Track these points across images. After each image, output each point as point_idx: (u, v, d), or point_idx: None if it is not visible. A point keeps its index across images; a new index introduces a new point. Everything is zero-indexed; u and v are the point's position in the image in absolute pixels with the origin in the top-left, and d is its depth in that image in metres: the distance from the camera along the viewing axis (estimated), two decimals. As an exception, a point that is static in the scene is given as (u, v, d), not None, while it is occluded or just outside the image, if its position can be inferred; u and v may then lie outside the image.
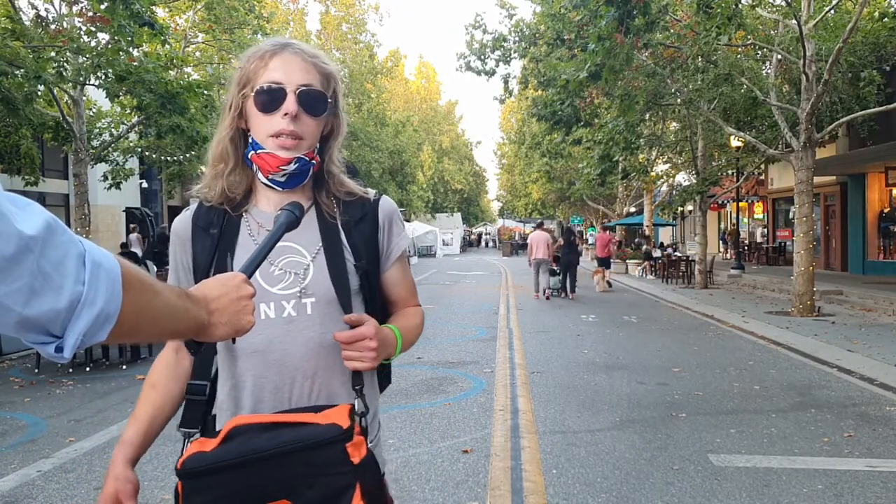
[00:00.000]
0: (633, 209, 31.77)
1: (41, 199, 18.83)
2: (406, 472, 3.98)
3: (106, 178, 15.34)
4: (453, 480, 3.86)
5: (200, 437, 1.15)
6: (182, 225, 1.29)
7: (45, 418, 5.41)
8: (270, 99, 1.17)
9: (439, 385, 6.39)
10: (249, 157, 1.22)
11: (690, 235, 29.01)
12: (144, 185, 22.28)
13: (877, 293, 11.89)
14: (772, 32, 12.97)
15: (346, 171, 1.34)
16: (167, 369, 1.26)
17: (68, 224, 18.75)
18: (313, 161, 1.23)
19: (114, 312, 0.72)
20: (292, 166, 1.19)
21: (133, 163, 17.55)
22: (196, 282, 1.20)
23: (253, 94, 1.19)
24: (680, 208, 24.00)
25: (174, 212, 26.45)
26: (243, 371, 1.21)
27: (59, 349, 0.70)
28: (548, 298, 14.78)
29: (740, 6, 9.85)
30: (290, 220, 1.11)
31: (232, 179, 1.25)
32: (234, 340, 1.04)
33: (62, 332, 0.69)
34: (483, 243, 64.58)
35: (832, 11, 12.09)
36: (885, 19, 13.24)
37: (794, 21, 10.53)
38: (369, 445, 1.13)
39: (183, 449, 1.15)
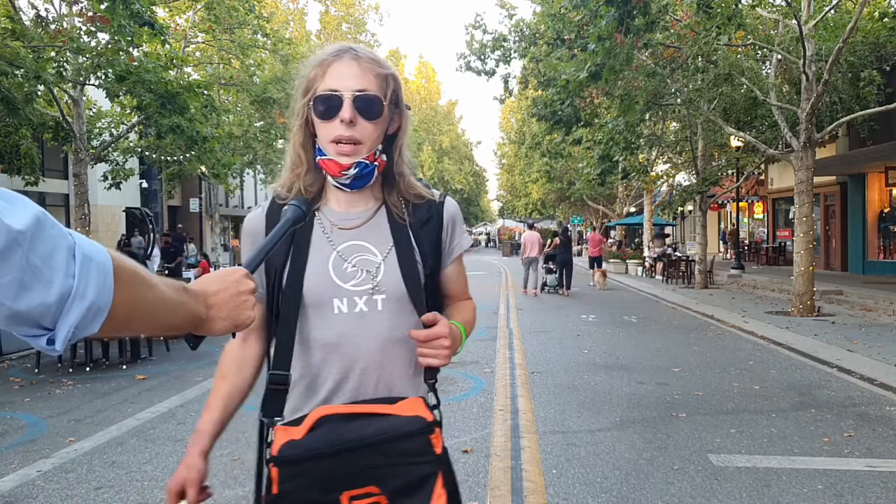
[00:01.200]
0: (633, 209, 31.78)
1: (41, 199, 18.83)
2: (406, 472, 3.98)
3: (106, 178, 15.35)
4: (453, 480, 3.86)
5: (281, 425, 1.21)
6: (255, 222, 1.33)
7: (45, 418, 5.41)
8: (327, 106, 1.22)
9: (439, 385, 6.38)
10: (318, 161, 1.28)
11: (690, 235, 29.01)
12: (144, 185, 22.27)
13: (877, 293, 11.89)
14: (772, 32, 12.98)
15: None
16: (235, 359, 1.32)
17: (68, 224, 18.77)
18: (375, 164, 1.27)
19: (105, 305, 0.72)
20: (352, 171, 1.24)
21: (133, 163, 17.56)
22: (269, 279, 1.28)
23: (312, 102, 1.24)
24: (680, 208, 24.01)
25: (174, 212, 26.45)
26: (317, 361, 1.26)
27: (51, 342, 0.70)
28: (535, 295, 15.44)
29: (740, 6, 9.86)
30: (297, 216, 1.16)
31: (307, 181, 1.31)
32: (234, 335, 1.05)
33: (53, 325, 0.69)
34: (484, 244, 64.58)
35: (832, 11, 12.09)
36: (885, 19, 13.25)
37: (794, 21, 10.53)
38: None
39: (266, 437, 1.22)
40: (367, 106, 1.22)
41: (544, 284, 16.35)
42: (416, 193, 1.34)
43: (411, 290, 1.26)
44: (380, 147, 1.28)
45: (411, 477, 1.13)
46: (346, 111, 1.20)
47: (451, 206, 1.38)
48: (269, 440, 1.20)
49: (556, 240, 16.77)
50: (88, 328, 0.72)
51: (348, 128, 1.21)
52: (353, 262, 1.26)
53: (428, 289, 1.32)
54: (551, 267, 16.33)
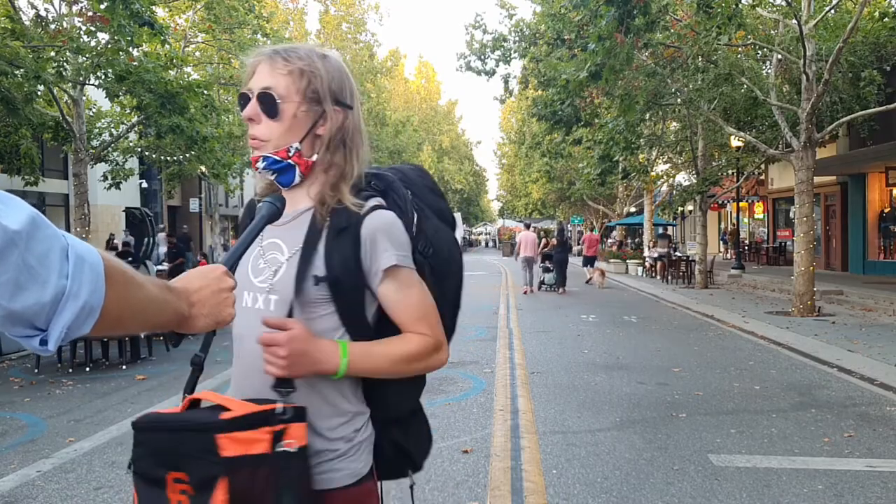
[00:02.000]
0: (633, 209, 31.78)
1: (41, 199, 18.83)
2: (406, 473, 3.97)
3: (106, 178, 15.34)
4: (453, 480, 3.86)
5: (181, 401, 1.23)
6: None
7: (45, 418, 5.41)
8: (242, 106, 1.27)
9: (439, 385, 6.38)
10: None
11: (690, 235, 29.01)
12: (144, 185, 22.26)
13: (877, 293, 11.89)
14: (772, 32, 12.97)
15: (382, 182, 1.32)
16: None
17: (68, 224, 18.76)
18: (288, 161, 1.25)
19: (97, 305, 0.73)
20: (260, 164, 1.26)
21: (133, 163, 17.54)
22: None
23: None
24: (680, 208, 24.01)
25: (174, 212, 26.45)
26: (235, 352, 1.31)
27: (44, 342, 0.71)
28: (530, 293, 16.12)
29: (740, 6, 9.86)
30: (272, 213, 1.20)
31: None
32: (214, 332, 1.09)
33: (47, 326, 0.70)
34: (484, 244, 64.58)
35: (832, 11, 12.09)
36: (886, 19, 13.24)
37: (794, 21, 10.53)
38: (286, 450, 1.10)
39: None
40: (265, 104, 1.24)
41: (541, 282, 16.89)
42: (336, 196, 1.27)
43: (300, 294, 1.22)
44: (296, 144, 1.24)
45: (204, 473, 1.09)
46: (248, 109, 1.25)
47: (373, 221, 1.24)
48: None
49: (553, 240, 17.41)
50: (81, 328, 0.72)
51: (252, 126, 1.25)
52: (266, 258, 1.29)
53: (339, 304, 1.24)
54: (548, 266, 16.86)
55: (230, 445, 1.08)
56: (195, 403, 1.19)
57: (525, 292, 16.22)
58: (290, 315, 1.22)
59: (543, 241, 17.89)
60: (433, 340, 1.28)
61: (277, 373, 1.16)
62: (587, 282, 18.53)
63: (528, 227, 18.93)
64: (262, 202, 1.22)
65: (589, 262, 19.14)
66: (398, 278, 1.25)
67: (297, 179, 1.28)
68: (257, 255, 1.30)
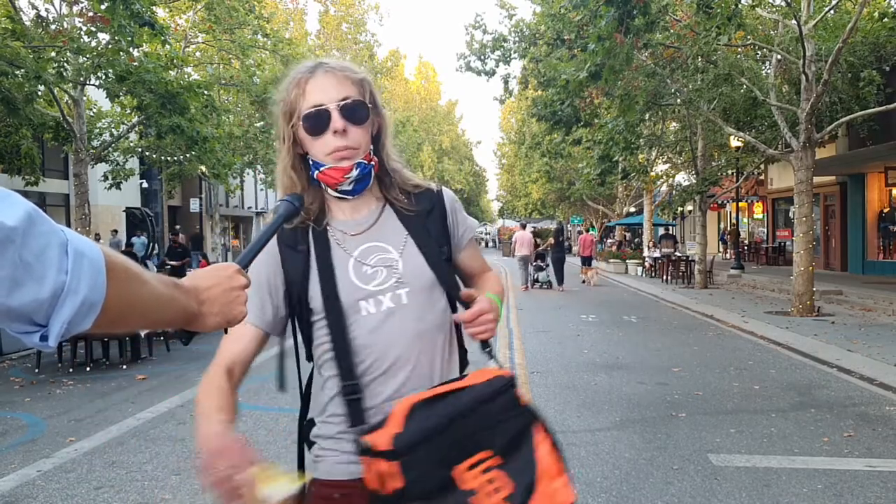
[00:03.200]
0: (633, 209, 31.78)
1: (41, 199, 18.82)
2: (406, 472, 3.98)
3: (106, 178, 15.35)
4: (453, 480, 3.87)
5: (365, 434, 1.15)
6: (268, 246, 1.30)
7: (45, 418, 5.42)
8: (317, 122, 1.26)
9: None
10: (315, 177, 1.30)
11: (690, 235, 29.03)
12: (145, 185, 22.27)
13: (876, 293, 11.90)
14: (771, 32, 12.98)
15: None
16: (218, 384, 1.22)
17: (69, 224, 18.72)
18: (372, 163, 1.31)
19: (98, 301, 0.72)
20: (355, 172, 1.27)
21: (133, 163, 17.56)
22: (290, 300, 1.30)
23: (300, 122, 1.27)
24: (680, 208, 24.00)
25: (174, 212, 26.45)
26: (356, 365, 1.27)
27: (44, 338, 0.70)
28: (524, 290, 16.91)
29: (740, 6, 9.86)
30: (290, 211, 1.19)
31: (307, 199, 1.31)
32: (226, 331, 1.05)
33: (46, 321, 0.69)
34: (485, 244, 64.58)
35: (832, 11, 12.09)
36: (885, 19, 13.25)
37: (793, 21, 10.53)
38: None
39: (359, 448, 1.16)
40: (354, 112, 1.26)
41: (535, 280, 17.52)
42: (414, 184, 1.39)
43: (438, 273, 1.31)
44: (371, 148, 1.31)
45: (512, 431, 1.17)
46: (337, 122, 1.24)
47: (449, 194, 1.43)
48: (365, 447, 1.14)
49: (551, 240, 18.32)
50: (81, 324, 0.71)
51: (342, 137, 1.25)
52: (372, 263, 1.30)
53: (450, 273, 1.36)
54: (541, 265, 17.61)
55: (521, 396, 1.21)
56: (410, 411, 1.14)
57: (524, 289, 17.02)
58: (421, 301, 1.29)
59: (539, 241, 18.74)
60: (495, 271, 1.54)
61: (491, 335, 1.29)
62: (583, 282, 19.17)
63: (523, 226, 19.81)
64: (279, 201, 1.21)
65: (586, 261, 19.96)
66: (473, 238, 1.46)
67: (371, 182, 1.32)
68: (356, 265, 1.29)
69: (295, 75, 1.30)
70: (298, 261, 1.30)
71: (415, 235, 1.32)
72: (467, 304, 1.30)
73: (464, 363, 1.43)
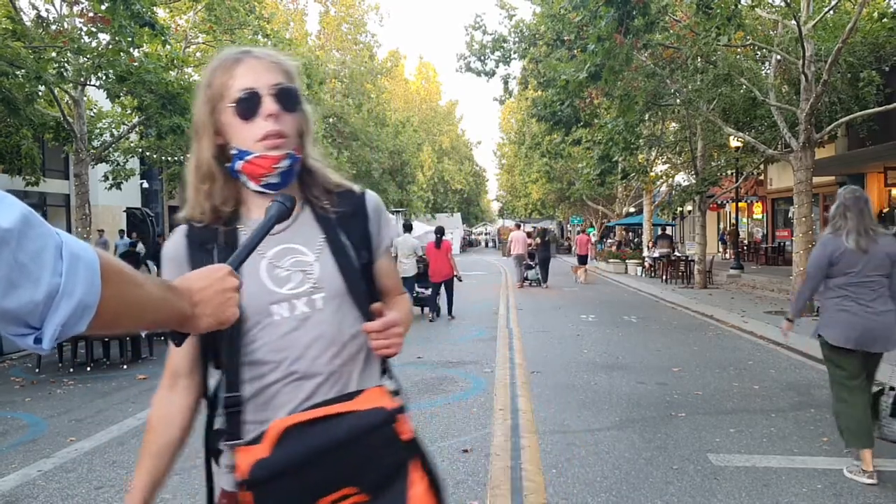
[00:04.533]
0: (632, 209, 31.78)
1: (42, 199, 18.84)
2: (406, 472, 3.99)
3: (107, 179, 15.35)
4: (453, 480, 3.88)
5: (242, 446, 1.15)
6: (175, 248, 1.27)
7: (45, 418, 5.43)
8: (249, 105, 1.19)
9: (439, 385, 6.40)
10: (237, 168, 1.22)
11: (690, 235, 29.02)
12: (145, 185, 22.27)
13: (876, 293, 11.87)
14: (771, 33, 12.99)
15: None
16: (162, 410, 1.26)
17: (69, 224, 18.69)
18: (299, 156, 1.25)
19: (93, 303, 0.72)
20: (285, 163, 1.20)
21: (134, 163, 17.55)
22: None
23: (231, 105, 1.19)
24: (679, 208, 24.01)
25: (175, 212, 26.43)
26: (264, 374, 1.22)
27: (38, 340, 0.70)
28: (520, 287, 17.89)
29: (740, 7, 9.86)
30: (282, 211, 1.13)
31: (221, 196, 1.25)
32: (219, 331, 1.05)
33: (41, 324, 0.69)
34: (484, 244, 64.55)
35: (831, 12, 12.10)
36: (885, 20, 13.25)
37: (793, 21, 10.54)
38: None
39: (229, 462, 1.16)
40: (287, 98, 1.20)
41: (525, 278, 18.36)
42: (336, 183, 1.32)
43: (350, 282, 1.24)
44: (297, 141, 1.26)
45: (385, 468, 1.12)
46: (270, 105, 1.18)
47: (373, 198, 1.36)
48: (229, 464, 1.15)
49: (537, 240, 19.21)
50: (76, 326, 0.72)
51: (275, 122, 1.18)
52: (286, 266, 1.23)
53: (366, 282, 1.29)
54: (531, 263, 18.51)
55: (404, 429, 1.14)
56: (285, 434, 1.12)
57: (519, 286, 17.97)
58: (357, 301, 1.25)
59: (530, 241, 19.54)
60: (408, 295, 1.48)
61: (396, 351, 1.23)
62: (577, 280, 19.98)
63: (518, 226, 20.75)
64: (270, 203, 1.14)
65: (582, 260, 20.63)
66: (388, 250, 1.38)
67: (294, 178, 1.26)
68: (269, 267, 1.23)
69: (221, 61, 1.23)
70: (206, 261, 1.21)
71: (332, 239, 1.26)
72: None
73: (385, 372, 1.38)
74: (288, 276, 1.23)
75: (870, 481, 3.70)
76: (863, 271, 3.74)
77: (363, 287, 1.26)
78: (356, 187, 1.36)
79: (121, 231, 19.32)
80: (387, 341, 1.20)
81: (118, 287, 0.77)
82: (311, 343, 1.21)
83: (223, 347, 1.22)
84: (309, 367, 1.21)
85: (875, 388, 3.99)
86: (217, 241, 1.25)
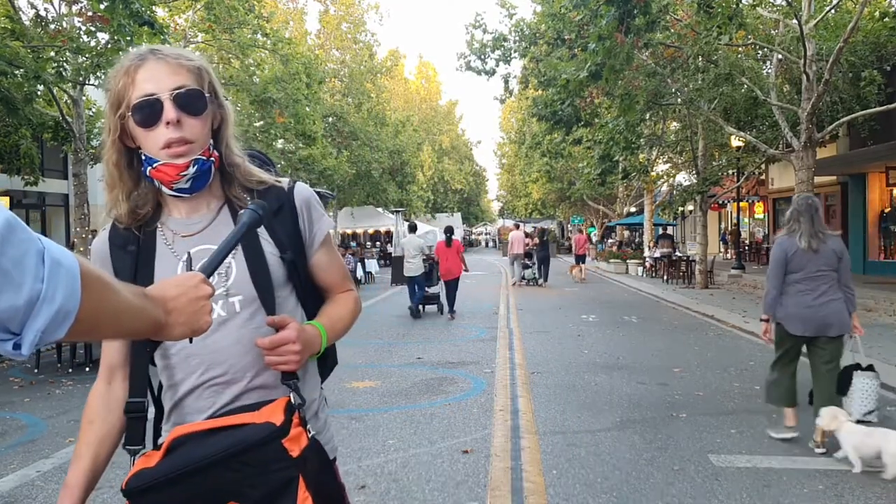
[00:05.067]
0: (633, 209, 31.77)
1: (41, 199, 18.84)
2: (406, 473, 3.98)
3: (106, 178, 15.32)
4: (453, 481, 3.86)
5: (148, 452, 1.15)
6: (100, 245, 1.28)
7: (44, 418, 5.41)
8: (148, 112, 1.14)
9: (439, 385, 6.38)
10: (148, 174, 1.19)
11: (691, 235, 29.01)
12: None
13: (877, 293, 11.88)
14: (772, 32, 12.97)
15: (257, 161, 1.34)
16: (101, 402, 1.25)
17: (68, 224, 18.66)
18: (212, 159, 1.21)
19: (73, 310, 0.72)
20: (192, 170, 1.17)
21: (133, 163, 17.53)
22: None
23: (130, 112, 1.15)
24: (680, 208, 23.99)
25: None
26: (183, 378, 1.20)
27: (17, 346, 0.70)
28: (515, 286, 18.29)
29: (741, 6, 9.85)
30: (254, 220, 1.11)
31: (136, 198, 1.23)
32: (191, 340, 1.04)
33: (20, 330, 0.69)
34: (484, 244, 64.56)
35: (833, 11, 12.08)
36: (886, 19, 13.24)
37: (794, 21, 10.52)
38: (312, 434, 1.15)
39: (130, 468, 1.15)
40: (189, 102, 1.15)
41: (522, 277, 18.80)
42: (258, 180, 1.26)
43: (260, 289, 1.20)
44: (211, 142, 1.21)
45: (271, 485, 1.07)
46: (170, 112, 1.13)
47: (302, 191, 1.29)
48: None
49: (535, 240, 19.77)
50: (56, 333, 0.71)
51: (176, 129, 1.14)
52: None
53: (297, 283, 1.26)
54: (528, 263, 19.05)
55: (293, 445, 1.10)
56: (176, 443, 1.10)
57: (514, 285, 18.37)
58: (266, 309, 1.20)
59: (528, 241, 20.05)
60: (356, 293, 1.40)
61: (292, 368, 1.16)
62: (573, 280, 20.48)
63: (517, 227, 21.81)
64: (242, 210, 1.14)
65: (579, 259, 21.01)
66: (328, 243, 1.32)
67: (211, 179, 1.22)
68: (185, 269, 1.19)
69: (124, 63, 1.19)
70: (126, 262, 1.22)
71: (247, 241, 1.20)
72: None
73: (330, 366, 1.36)
74: None
75: (791, 435, 4.46)
76: (814, 268, 4.31)
77: (273, 293, 1.21)
78: (285, 181, 1.30)
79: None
80: (279, 359, 1.14)
81: (98, 294, 0.77)
82: (229, 347, 1.18)
83: (133, 350, 1.20)
84: (227, 372, 1.18)
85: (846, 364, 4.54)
86: (136, 243, 1.23)
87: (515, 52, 16.38)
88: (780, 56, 12.14)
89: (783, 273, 4.39)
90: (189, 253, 1.14)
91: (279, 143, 18.81)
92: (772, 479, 3.85)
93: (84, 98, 12.46)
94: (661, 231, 24.51)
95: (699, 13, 9.85)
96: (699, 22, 10.06)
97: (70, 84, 11.18)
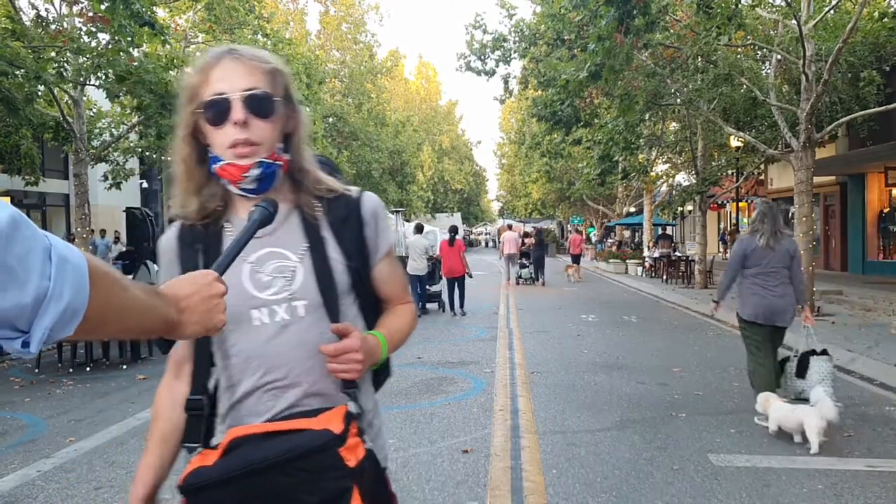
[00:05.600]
0: (632, 209, 31.78)
1: (42, 199, 18.85)
2: (406, 472, 3.99)
3: (106, 178, 15.34)
4: (453, 480, 3.87)
5: (204, 450, 1.16)
6: (168, 244, 1.29)
7: (45, 418, 5.42)
8: (217, 111, 1.16)
9: (439, 385, 6.39)
10: (214, 171, 1.20)
11: (690, 235, 29.01)
12: (145, 185, 22.29)
13: (877, 293, 11.89)
14: (771, 32, 12.97)
15: (327, 168, 1.34)
16: (167, 397, 1.28)
17: (69, 224, 18.69)
18: (278, 162, 1.21)
19: (81, 307, 0.71)
20: (255, 171, 1.18)
21: (133, 163, 17.54)
22: None
23: (201, 109, 1.18)
24: (680, 208, 24.00)
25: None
26: (242, 379, 1.21)
27: (26, 344, 0.69)
28: (509, 283, 18.83)
29: (740, 6, 9.85)
30: (264, 216, 1.12)
31: (206, 194, 1.24)
32: (210, 339, 1.05)
33: (28, 328, 0.68)
34: (484, 244, 64.58)
35: (832, 11, 12.09)
36: (885, 19, 13.25)
37: (793, 21, 10.53)
38: (368, 445, 1.14)
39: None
40: (258, 104, 1.16)
41: (518, 276, 19.24)
42: (327, 188, 1.27)
43: (325, 295, 1.20)
44: (280, 145, 1.22)
45: (326, 493, 1.07)
46: (238, 112, 1.15)
47: (370, 202, 1.30)
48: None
49: (532, 240, 20.17)
50: (64, 330, 0.71)
51: (242, 130, 1.15)
52: (268, 271, 1.21)
53: (360, 291, 1.26)
54: (524, 262, 19.43)
55: (350, 455, 1.09)
56: (234, 444, 1.11)
57: (508, 284, 18.70)
58: (330, 315, 1.20)
59: (524, 241, 20.46)
60: (413, 306, 1.41)
61: (354, 377, 1.17)
62: (568, 279, 20.80)
63: (510, 227, 22.06)
64: (253, 207, 1.14)
65: (575, 259, 21.70)
66: (391, 254, 1.33)
67: (278, 182, 1.22)
68: (251, 271, 1.21)
69: (201, 60, 1.21)
70: (193, 260, 1.23)
71: (314, 247, 1.22)
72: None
73: (383, 379, 1.36)
74: (270, 281, 1.21)
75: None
76: (769, 264, 4.86)
77: (339, 300, 1.22)
78: (353, 190, 1.31)
79: (102, 231, 19.24)
80: (342, 366, 1.15)
81: (106, 291, 0.76)
82: (291, 351, 1.19)
83: (195, 348, 1.22)
84: (287, 376, 1.19)
85: (781, 357, 5.18)
86: (203, 240, 1.25)
87: (515, 52, 16.39)
88: (779, 56, 12.15)
89: (740, 267, 4.97)
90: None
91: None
92: (771, 478, 3.86)
93: (85, 98, 12.48)
94: (660, 231, 24.51)
95: (698, 14, 9.85)
96: (698, 22, 10.07)
97: (71, 84, 11.19)
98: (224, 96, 1.15)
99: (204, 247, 1.24)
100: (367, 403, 1.26)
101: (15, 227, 0.66)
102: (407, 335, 1.34)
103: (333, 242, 1.24)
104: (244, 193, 1.21)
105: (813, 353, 5.07)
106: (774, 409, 4.56)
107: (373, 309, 1.31)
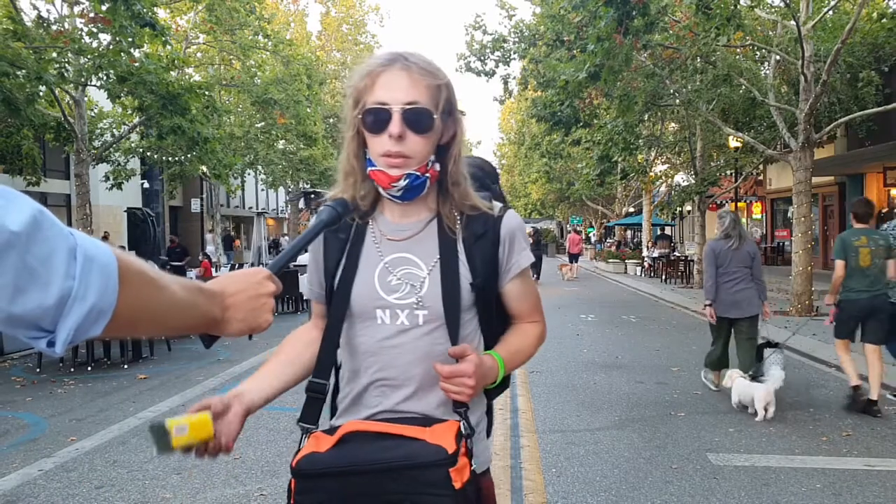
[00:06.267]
0: (632, 209, 31.81)
1: (43, 199, 18.82)
2: (406, 471, 4.00)
3: (107, 179, 15.37)
4: (453, 479, 3.88)
5: (318, 432, 1.20)
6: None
7: (46, 417, 5.44)
8: (376, 120, 1.18)
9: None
10: (368, 172, 1.24)
11: (689, 236, 29.03)
12: (146, 185, 22.29)
13: (875, 293, 11.87)
14: (770, 33, 12.99)
15: (483, 173, 1.39)
16: (302, 335, 1.33)
17: (70, 224, 18.75)
18: (427, 175, 1.23)
19: (108, 307, 0.70)
20: (402, 182, 1.20)
21: (134, 163, 17.58)
22: (327, 280, 1.28)
23: (361, 115, 1.20)
24: (679, 208, 24.03)
25: (175, 212, 26.47)
26: (359, 371, 1.26)
27: (52, 344, 0.69)
28: None
29: (739, 7, 9.88)
30: (332, 217, 1.15)
31: (361, 190, 1.27)
32: (250, 337, 1.04)
33: (53, 328, 0.67)
34: None
35: (831, 12, 12.11)
36: (884, 20, 13.27)
37: (792, 22, 10.56)
38: (474, 468, 1.15)
39: (300, 445, 1.20)
40: (416, 119, 1.18)
41: None
42: (470, 205, 1.28)
43: (447, 309, 1.22)
44: (432, 157, 1.23)
45: None
46: (395, 126, 1.16)
47: (510, 221, 1.30)
48: (300, 448, 1.20)
49: (530, 239, 20.61)
50: (90, 330, 0.69)
51: (397, 143, 1.17)
52: (398, 275, 1.24)
53: (481, 309, 1.28)
54: None
55: (458, 476, 1.10)
56: (348, 437, 1.14)
57: None
58: (449, 328, 1.21)
59: None
60: (543, 325, 1.39)
61: (465, 399, 1.17)
62: (563, 278, 21.05)
63: None
64: (323, 206, 1.16)
65: (573, 258, 21.79)
66: (525, 275, 1.32)
67: (424, 192, 1.25)
68: (383, 272, 1.24)
69: (371, 63, 1.22)
70: (336, 248, 1.28)
71: (446, 260, 1.23)
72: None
73: (495, 395, 1.36)
74: (397, 286, 1.23)
75: (713, 387, 6.04)
76: (734, 264, 5.66)
77: (464, 312, 1.24)
78: (497, 207, 1.31)
79: (105, 234, 19.26)
80: (453, 388, 1.16)
81: (138, 290, 0.75)
82: (404, 355, 1.22)
83: (324, 332, 1.27)
84: (397, 377, 1.22)
85: (762, 341, 5.81)
86: (349, 231, 1.29)
87: (515, 53, 16.41)
88: (778, 57, 12.17)
89: (715, 267, 5.73)
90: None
91: (280, 144, 18.82)
92: (770, 477, 3.88)
93: (86, 99, 12.50)
94: (659, 231, 24.55)
95: (697, 14, 9.87)
96: (697, 23, 10.09)
97: (72, 85, 11.21)
98: (385, 107, 1.17)
99: (348, 238, 1.28)
100: (476, 415, 1.27)
101: (36, 227, 0.65)
102: (529, 356, 1.35)
103: (464, 258, 1.25)
104: (391, 197, 1.25)
105: (767, 344, 5.73)
106: (737, 384, 5.29)
107: (499, 322, 1.33)
